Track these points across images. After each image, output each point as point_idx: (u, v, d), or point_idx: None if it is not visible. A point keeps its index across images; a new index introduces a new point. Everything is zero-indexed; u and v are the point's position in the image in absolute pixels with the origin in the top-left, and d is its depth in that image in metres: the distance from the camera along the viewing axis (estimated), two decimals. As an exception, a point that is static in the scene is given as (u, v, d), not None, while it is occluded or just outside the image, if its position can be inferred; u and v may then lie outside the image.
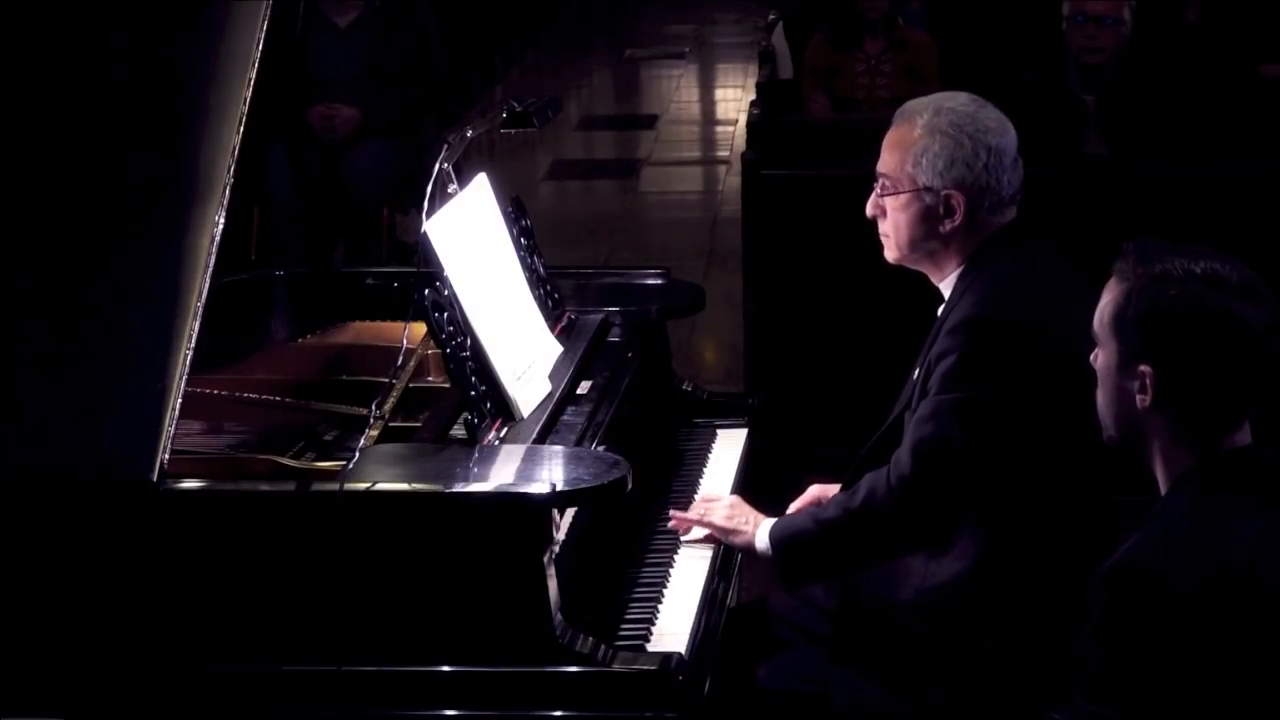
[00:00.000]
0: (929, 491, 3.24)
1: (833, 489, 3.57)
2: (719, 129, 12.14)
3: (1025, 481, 3.21)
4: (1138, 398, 2.64)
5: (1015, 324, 3.22)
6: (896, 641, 3.30)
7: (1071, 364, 3.17)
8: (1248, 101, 6.28)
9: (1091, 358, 2.73)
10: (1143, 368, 2.62)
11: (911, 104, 3.40)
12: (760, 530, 3.42)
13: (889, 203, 3.36)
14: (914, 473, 3.24)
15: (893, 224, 3.37)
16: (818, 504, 3.54)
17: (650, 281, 4.19)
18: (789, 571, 3.39)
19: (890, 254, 3.42)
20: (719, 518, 3.48)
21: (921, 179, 3.31)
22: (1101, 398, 2.71)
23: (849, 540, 3.32)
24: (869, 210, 3.40)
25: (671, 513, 3.55)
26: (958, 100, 3.37)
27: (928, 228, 3.33)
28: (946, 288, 3.37)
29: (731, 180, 9.71)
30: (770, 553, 3.39)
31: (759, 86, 7.44)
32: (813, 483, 3.65)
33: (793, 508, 3.58)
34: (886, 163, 3.37)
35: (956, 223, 3.31)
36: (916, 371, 3.35)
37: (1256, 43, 7.04)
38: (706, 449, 4.02)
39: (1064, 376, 3.18)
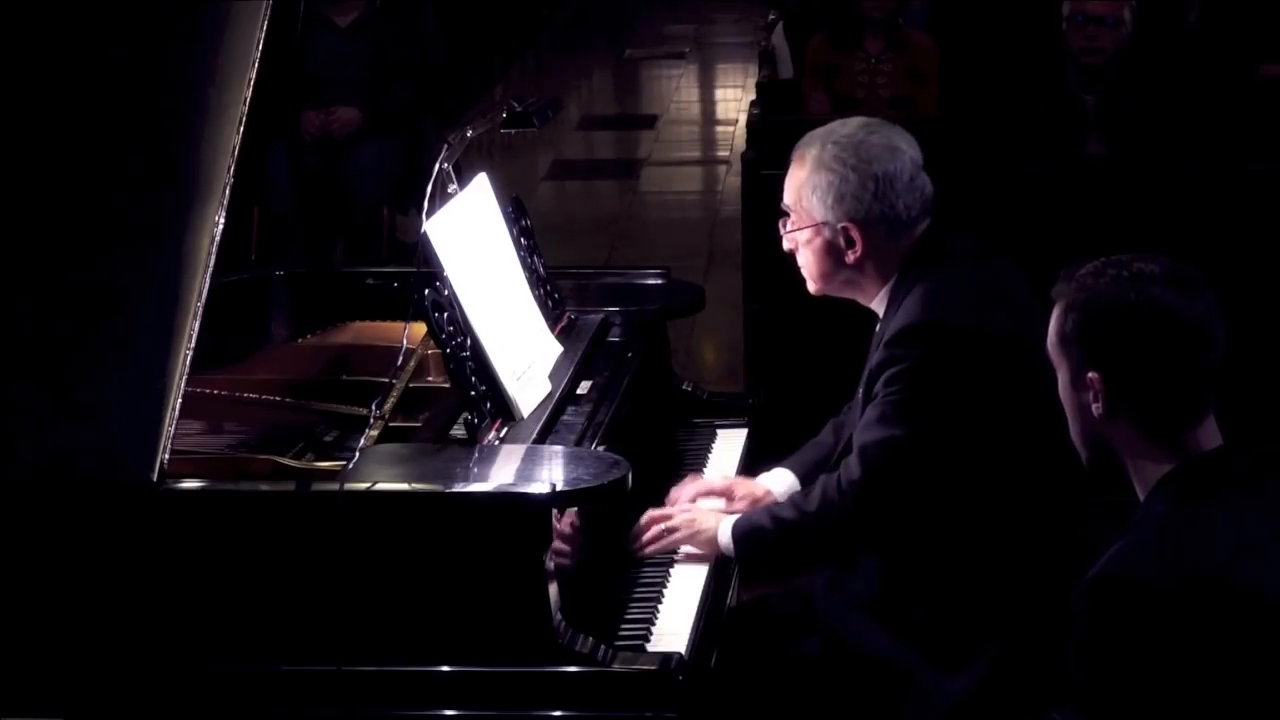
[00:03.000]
0: (878, 493, 3.26)
1: (701, 481, 3.64)
2: (719, 129, 12.14)
3: (982, 479, 3.22)
4: (1093, 407, 2.65)
5: (957, 326, 3.24)
6: (889, 649, 3.30)
7: (1020, 360, 3.18)
8: (1248, 101, 6.28)
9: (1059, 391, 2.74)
10: (1090, 375, 2.64)
11: (807, 136, 3.43)
12: (723, 525, 3.43)
13: (796, 237, 3.39)
14: (862, 476, 3.27)
15: (803, 259, 3.42)
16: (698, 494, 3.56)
17: (650, 281, 4.19)
18: (748, 566, 3.42)
19: (810, 287, 3.48)
20: (681, 526, 3.46)
21: (816, 214, 3.35)
22: (1070, 424, 2.73)
23: (804, 540, 3.35)
24: (785, 245, 3.44)
25: (644, 550, 3.49)
26: (846, 129, 3.38)
27: (833, 260, 3.38)
28: (879, 306, 3.40)
29: (731, 180, 9.71)
30: (732, 547, 3.40)
31: (759, 86, 7.44)
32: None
33: (674, 493, 3.58)
34: (787, 198, 3.42)
35: (859, 253, 3.34)
36: (859, 391, 3.36)
37: (1256, 43, 7.03)
38: (706, 449, 4.02)
39: (1013, 373, 3.19)
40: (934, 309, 3.26)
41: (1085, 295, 2.65)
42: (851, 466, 3.29)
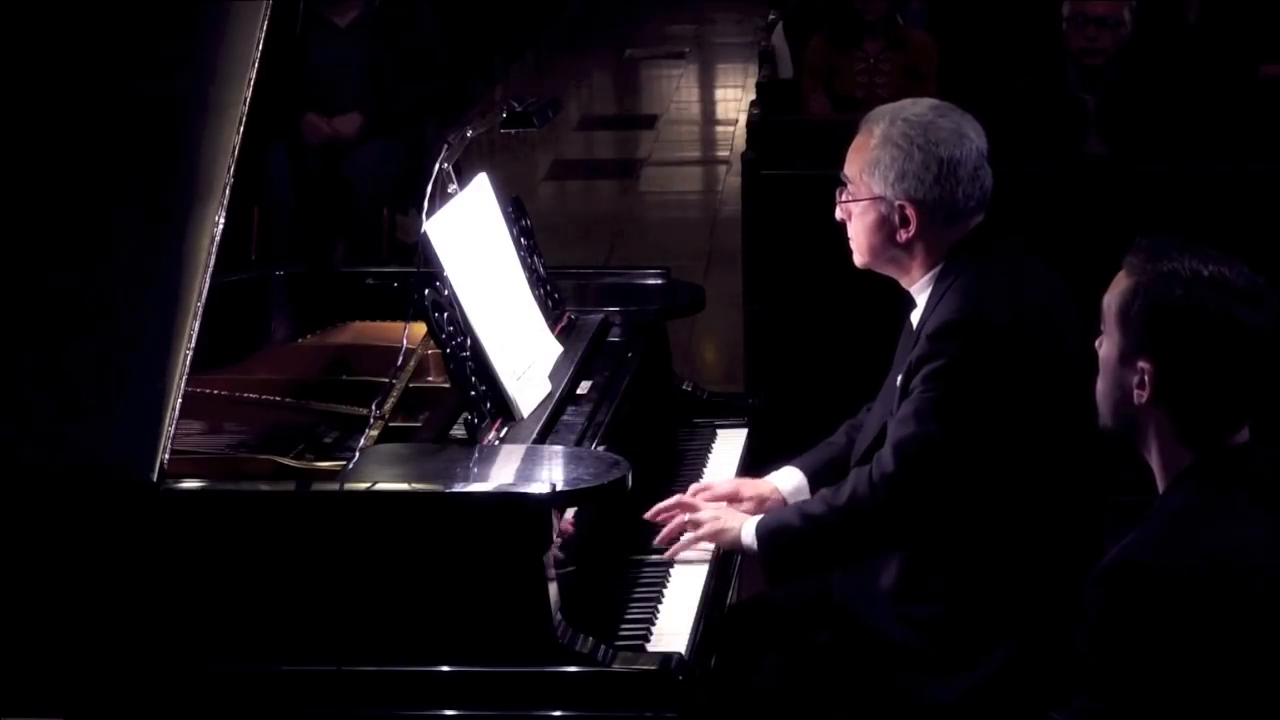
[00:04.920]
0: (911, 490, 3.24)
1: (706, 487, 3.61)
2: (719, 129, 12.14)
3: (1012, 481, 3.22)
4: (1135, 392, 2.65)
5: (999, 326, 3.23)
6: (892, 649, 3.30)
7: (1056, 363, 3.19)
8: (1248, 101, 6.28)
9: (1096, 343, 2.74)
10: (1142, 363, 2.63)
11: (876, 110, 3.41)
12: (746, 524, 3.42)
13: (851, 208, 3.38)
14: (896, 471, 3.24)
15: (854, 230, 3.40)
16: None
17: (650, 281, 4.19)
18: (774, 565, 3.39)
19: (856, 259, 3.45)
20: (705, 522, 3.46)
21: (875, 188, 3.33)
22: (1101, 386, 2.73)
23: (833, 536, 3.33)
24: (837, 214, 3.43)
25: (658, 542, 3.49)
26: (917, 109, 3.36)
27: (885, 236, 3.35)
28: (919, 293, 3.38)
29: (731, 180, 9.72)
30: (755, 546, 3.39)
31: (759, 86, 7.44)
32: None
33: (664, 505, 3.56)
34: (848, 168, 3.39)
35: (911, 233, 3.33)
36: (898, 379, 3.35)
37: (1256, 43, 7.03)
38: (706, 449, 4.01)
39: (1049, 376, 3.19)
40: (978, 306, 3.24)
41: (1162, 285, 2.62)
42: (885, 461, 3.27)
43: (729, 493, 3.60)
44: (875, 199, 3.33)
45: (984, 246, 3.33)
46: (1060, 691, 2.68)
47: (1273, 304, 2.61)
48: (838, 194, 3.41)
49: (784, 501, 3.59)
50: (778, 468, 3.68)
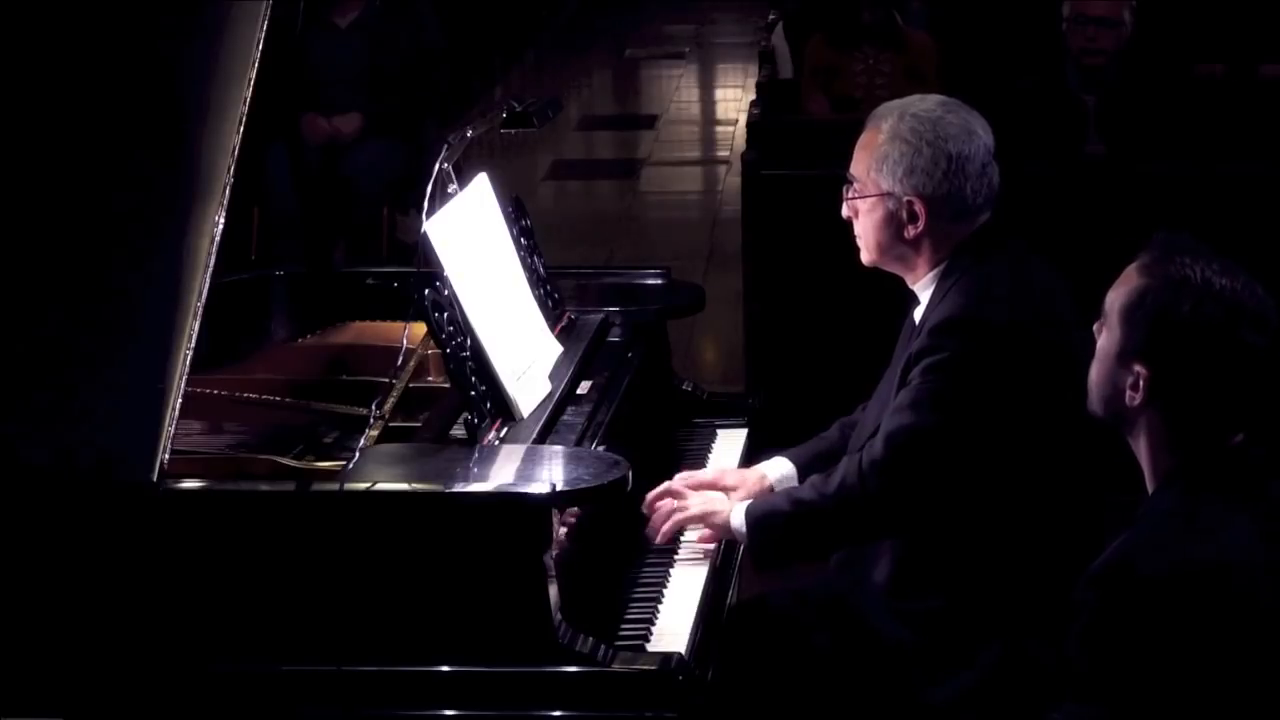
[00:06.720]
0: (899, 479, 3.25)
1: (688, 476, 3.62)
2: (719, 129, 12.15)
3: (1008, 477, 3.22)
4: (1129, 393, 2.64)
5: (1000, 325, 3.24)
6: (891, 648, 3.30)
7: (1056, 365, 3.19)
8: (1249, 102, 6.28)
9: (1095, 328, 2.72)
10: (1139, 367, 2.63)
11: (883, 107, 3.41)
12: (736, 508, 3.42)
13: (858, 205, 3.38)
14: (886, 459, 3.25)
15: (862, 227, 3.40)
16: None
17: (650, 281, 4.19)
18: (761, 550, 3.39)
19: (864, 256, 3.45)
20: (695, 505, 3.48)
21: (883, 184, 3.33)
22: (1095, 374, 2.71)
23: (821, 522, 3.33)
24: (844, 212, 3.42)
25: (648, 531, 3.50)
26: (925, 105, 3.36)
27: (893, 232, 3.35)
28: (922, 290, 3.38)
29: (731, 180, 9.72)
30: (744, 530, 3.39)
31: (759, 86, 7.45)
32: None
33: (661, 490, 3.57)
34: (855, 166, 3.39)
35: (920, 229, 3.33)
36: (896, 373, 3.35)
37: (1257, 43, 7.04)
38: (706, 449, 4.02)
39: (1048, 377, 3.20)
40: (981, 304, 3.25)
41: (1171, 295, 2.60)
42: (875, 449, 3.27)
43: (710, 481, 3.59)
44: (883, 195, 3.33)
45: (989, 245, 3.33)
46: (1058, 690, 2.68)
47: (1275, 323, 2.60)
48: (844, 191, 3.41)
49: (770, 489, 3.59)
50: (770, 457, 3.68)
